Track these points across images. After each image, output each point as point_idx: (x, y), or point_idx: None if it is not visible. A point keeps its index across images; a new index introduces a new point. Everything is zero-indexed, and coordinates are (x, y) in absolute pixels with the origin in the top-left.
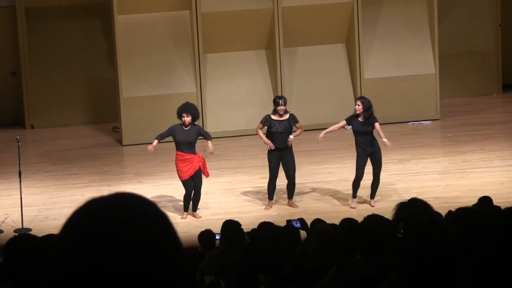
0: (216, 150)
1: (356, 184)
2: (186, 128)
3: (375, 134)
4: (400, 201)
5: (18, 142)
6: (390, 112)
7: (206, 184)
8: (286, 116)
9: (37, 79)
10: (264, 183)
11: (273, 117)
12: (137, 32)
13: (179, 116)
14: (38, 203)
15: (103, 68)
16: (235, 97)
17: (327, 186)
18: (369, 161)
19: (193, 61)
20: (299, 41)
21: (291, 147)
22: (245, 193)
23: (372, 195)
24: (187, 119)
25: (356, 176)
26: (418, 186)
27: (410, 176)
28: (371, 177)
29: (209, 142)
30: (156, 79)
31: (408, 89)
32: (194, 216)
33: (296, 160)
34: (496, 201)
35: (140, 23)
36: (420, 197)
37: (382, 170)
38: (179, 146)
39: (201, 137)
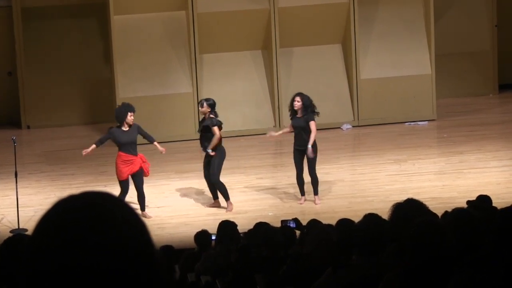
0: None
1: (298, 182)
2: (125, 129)
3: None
4: (396, 202)
5: (14, 143)
6: (386, 113)
7: (203, 185)
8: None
9: (33, 79)
10: (260, 183)
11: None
12: (133, 32)
13: (123, 117)
14: (34, 203)
15: (100, 68)
16: (231, 98)
17: (324, 187)
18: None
19: (190, 61)
20: (295, 42)
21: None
22: (242, 194)
23: (315, 192)
24: (132, 118)
25: (296, 173)
26: (414, 187)
27: (407, 176)
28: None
29: (157, 144)
30: (152, 79)
31: (404, 89)
32: (145, 216)
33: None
34: (492, 202)
35: (137, 23)
36: (416, 197)
37: (379, 171)
38: (123, 148)
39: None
